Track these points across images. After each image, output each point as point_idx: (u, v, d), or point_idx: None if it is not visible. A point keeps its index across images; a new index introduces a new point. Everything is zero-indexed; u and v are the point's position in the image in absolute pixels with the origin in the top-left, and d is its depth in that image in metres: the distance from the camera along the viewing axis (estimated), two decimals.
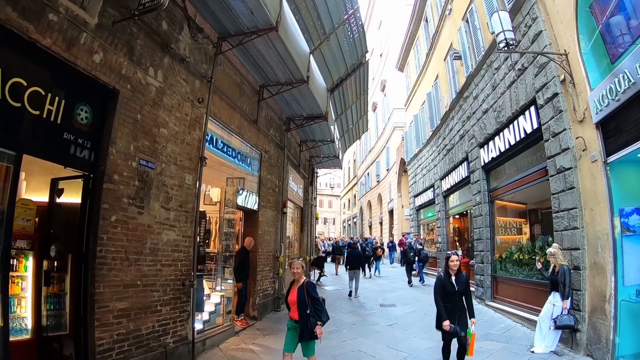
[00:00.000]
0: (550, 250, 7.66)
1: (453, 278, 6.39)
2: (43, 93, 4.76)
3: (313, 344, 6.01)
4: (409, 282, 18.18)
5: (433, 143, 19.48)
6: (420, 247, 19.28)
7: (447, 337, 6.47)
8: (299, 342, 5.97)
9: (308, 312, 5.90)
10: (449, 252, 6.62)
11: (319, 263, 19.79)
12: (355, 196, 52.93)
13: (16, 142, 4.55)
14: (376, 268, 22.57)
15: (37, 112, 4.71)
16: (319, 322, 5.91)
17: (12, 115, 4.45)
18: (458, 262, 6.40)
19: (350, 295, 15.55)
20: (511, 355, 7.57)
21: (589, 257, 7.34)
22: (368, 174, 43.47)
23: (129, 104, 5.88)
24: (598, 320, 6.86)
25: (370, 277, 21.38)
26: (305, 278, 6.21)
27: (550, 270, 7.68)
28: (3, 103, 4.30)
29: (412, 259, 18.67)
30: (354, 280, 15.70)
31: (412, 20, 22.72)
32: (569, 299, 7.29)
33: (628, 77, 6.01)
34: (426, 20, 20.64)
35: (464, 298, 6.41)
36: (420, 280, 18.57)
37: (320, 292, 16.40)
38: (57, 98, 4.94)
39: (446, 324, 6.18)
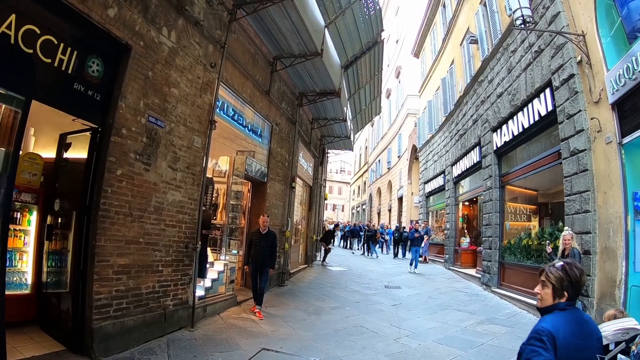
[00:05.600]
0: (568, 232, 7.38)
1: None
2: (56, 42, 4.76)
3: None
4: (395, 255, 24.83)
5: (446, 129, 19.32)
6: (404, 230, 24.48)
7: None
8: None
9: None
10: None
11: (327, 238, 20.20)
12: (365, 183, 52.78)
13: (26, 87, 4.54)
14: (373, 250, 25.29)
15: (49, 61, 4.71)
16: None
17: (24, 61, 4.44)
18: None
19: (353, 252, 27.04)
20: (516, 338, 7.43)
21: (600, 241, 7.23)
22: (379, 160, 43.28)
23: (140, 61, 5.86)
24: (607, 307, 6.65)
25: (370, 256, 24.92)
26: None
27: (560, 253, 7.53)
28: (15, 48, 4.30)
29: (397, 239, 24.62)
30: (353, 243, 29.13)
31: (429, 5, 22.46)
32: None
33: None
34: (444, 6, 20.42)
35: None
36: (395, 257, 24.48)
37: (326, 272, 16.66)
38: (69, 48, 4.93)
39: None
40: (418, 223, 23.26)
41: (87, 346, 5.22)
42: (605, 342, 3.48)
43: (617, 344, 3.45)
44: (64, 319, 5.58)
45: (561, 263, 2.46)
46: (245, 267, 9.25)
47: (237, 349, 6.34)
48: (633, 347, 3.41)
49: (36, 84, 4.69)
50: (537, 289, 2.58)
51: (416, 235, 18.37)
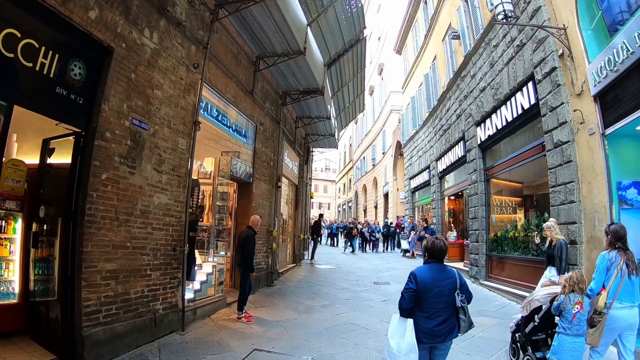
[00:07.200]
0: (547, 223, 7.56)
1: None
2: (37, 46, 4.69)
3: None
4: (385, 249, 26.67)
5: (429, 124, 19.42)
6: (391, 225, 27.01)
7: None
8: None
9: None
10: None
11: (316, 230, 20.08)
12: (350, 180, 52.93)
13: (8, 92, 4.48)
14: (351, 245, 25.21)
15: (30, 65, 4.64)
16: None
17: (5, 65, 4.38)
18: None
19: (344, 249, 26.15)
20: (505, 329, 7.42)
21: (586, 231, 7.32)
22: (364, 158, 43.42)
23: (123, 63, 5.79)
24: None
25: (353, 252, 24.81)
26: None
27: (547, 244, 7.56)
28: None
29: (385, 234, 26.76)
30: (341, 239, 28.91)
31: (411, 2, 22.54)
32: (565, 274, 7.19)
33: (627, 47, 5.95)
34: (425, 2, 20.53)
35: None
36: (373, 250, 26.09)
37: (315, 271, 16.64)
38: (51, 52, 4.87)
39: None
40: (425, 221, 19.68)
41: (78, 354, 5.14)
42: (538, 304, 5.38)
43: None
44: (54, 327, 5.49)
45: (427, 237, 4.43)
46: (254, 274, 8.66)
47: (229, 351, 6.31)
48: (554, 302, 4.89)
49: (18, 88, 4.62)
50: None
51: (422, 234, 16.34)
